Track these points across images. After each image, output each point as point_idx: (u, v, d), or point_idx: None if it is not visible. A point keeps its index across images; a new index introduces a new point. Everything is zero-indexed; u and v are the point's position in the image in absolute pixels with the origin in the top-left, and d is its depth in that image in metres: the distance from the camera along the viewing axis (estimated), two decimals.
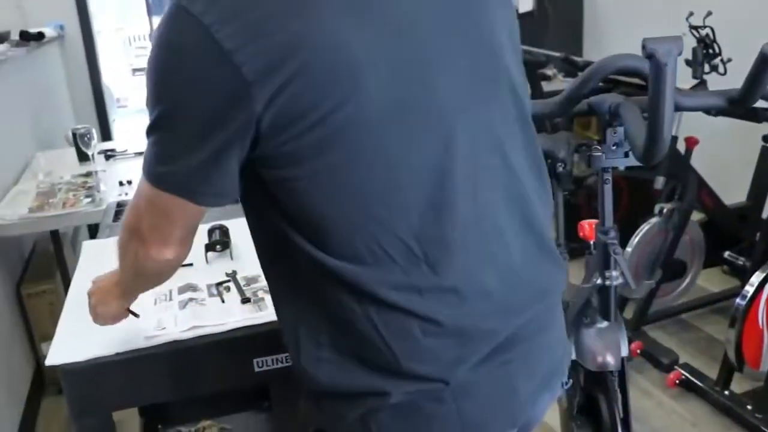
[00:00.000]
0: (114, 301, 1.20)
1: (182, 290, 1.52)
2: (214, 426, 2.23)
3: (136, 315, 1.29)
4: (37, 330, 2.82)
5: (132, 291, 1.19)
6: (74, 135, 3.21)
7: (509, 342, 0.94)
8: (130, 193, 2.70)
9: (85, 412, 1.33)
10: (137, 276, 1.07)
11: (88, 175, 3.00)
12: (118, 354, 1.30)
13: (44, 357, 2.82)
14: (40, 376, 2.87)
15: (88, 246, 1.84)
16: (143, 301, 1.46)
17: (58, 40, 5.47)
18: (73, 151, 3.35)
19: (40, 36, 4.28)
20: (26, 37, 4.11)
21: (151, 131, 0.89)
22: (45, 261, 3.05)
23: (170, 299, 1.48)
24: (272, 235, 0.93)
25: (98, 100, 5.92)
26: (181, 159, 0.86)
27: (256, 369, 1.38)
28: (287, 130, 0.83)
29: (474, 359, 0.92)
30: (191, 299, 1.46)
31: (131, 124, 8.76)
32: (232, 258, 1.65)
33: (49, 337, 2.84)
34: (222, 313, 1.41)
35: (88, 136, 3.08)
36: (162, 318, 1.40)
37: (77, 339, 1.35)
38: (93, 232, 3.92)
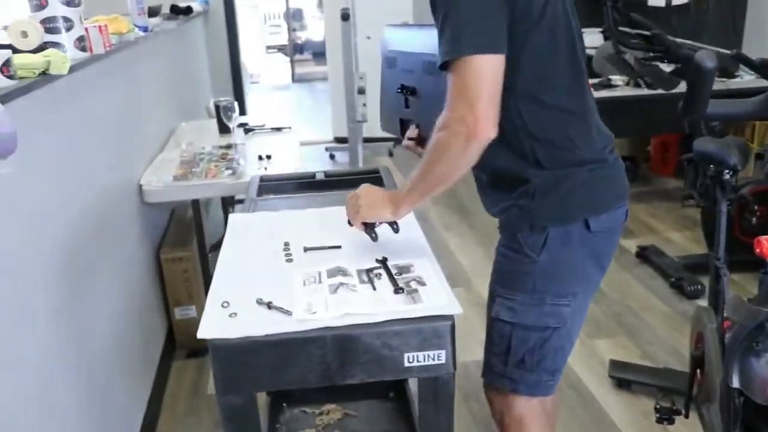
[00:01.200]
0: (382, 206, 1.50)
1: (332, 273, 1.46)
2: (338, 410, 2.19)
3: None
4: (171, 295, 2.90)
5: (419, 196, 1.43)
6: (217, 107, 3.26)
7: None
8: (269, 168, 2.71)
9: (231, 390, 1.29)
10: (448, 173, 1.34)
11: (228, 147, 3.05)
12: (268, 335, 1.25)
13: (176, 321, 2.95)
14: (171, 339, 2.95)
15: (234, 219, 1.82)
16: (292, 281, 1.43)
17: (203, 15, 5.64)
18: (213, 122, 3.42)
19: (188, 10, 4.41)
20: (176, 11, 4.24)
21: (456, 11, 1.24)
22: (183, 228, 3.13)
23: (319, 282, 1.43)
24: None
25: (235, 74, 6.07)
26: (489, 20, 1.25)
27: (406, 364, 1.30)
28: None
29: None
30: (342, 284, 1.40)
31: (262, 99, 9.02)
32: (374, 239, 1.58)
33: (181, 302, 2.96)
34: (374, 302, 1.34)
35: (231, 109, 3.12)
36: (312, 301, 1.34)
37: (227, 315, 1.31)
38: (225, 203, 4.02)
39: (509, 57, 1.28)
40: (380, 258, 1.53)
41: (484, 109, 1.25)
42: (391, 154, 5.91)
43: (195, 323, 3.01)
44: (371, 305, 1.33)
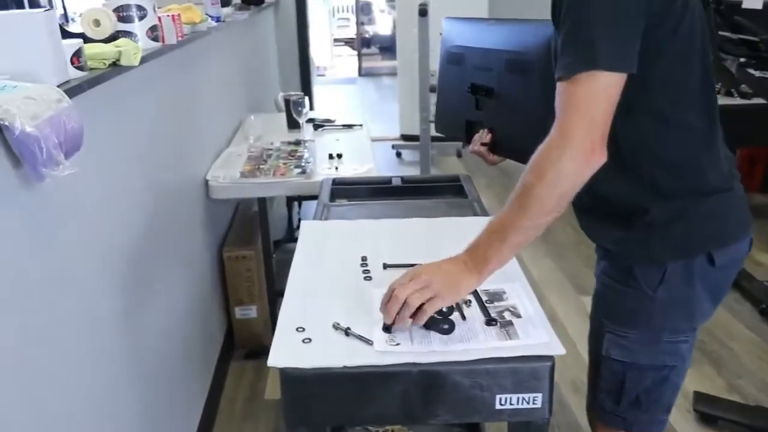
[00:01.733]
0: (463, 279, 1.18)
1: None
2: (403, 431, 2.06)
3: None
4: (232, 294, 2.81)
5: (518, 241, 1.17)
6: (287, 102, 3.16)
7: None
8: (340, 168, 2.59)
9: (301, 422, 1.17)
10: (558, 205, 1.13)
11: (297, 143, 2.94)
12: (346, 367, 1.12)
13: (236, 321, 2.87)
14: (231, 339, 2.86)
15: (307, 227, 1.70)
16: (372, 303, 1.29)
17: (274, 6, 5.57)
18: (282, 116, 3.32)
19: (260, 1, 4.33)
20: (248, 1, 4.16)
21: (587, 20, 1.08)
22: (247, 225, 3.04)
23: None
24: None
25: (304, 67, 5.99)
26: (624, 35, 1.09)
27: (498, 406, 1.16)
28: None
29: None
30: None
31: (329, 93, 8.95)
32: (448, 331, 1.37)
33: (242, 302, 2.87)
34: (465, 336, 1.19)
35: (301, 104, 3.02)
36: (395, 331, 1.20)
37: (300, 340, 1.18)
38: (289, 198, 3.93)
39: (639, 73, 1.12)
40: None
41: (603, 131, 1.10)
42: (459, 155, 5.73)
43: (255, 324, 2.97)
44: (461, 340, 1.18)
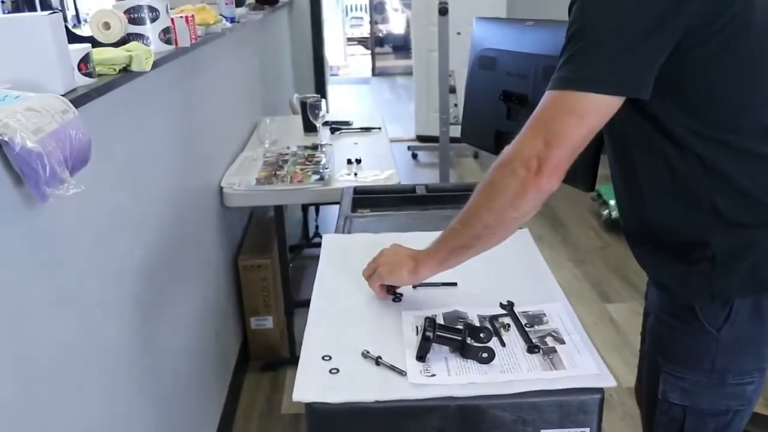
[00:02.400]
0: (401, 265, 1.24)
1: (450, 320, 1.22)
2: None
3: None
4: (247, 304, 2.72)
5: (448, 252, 1.19)
6: (303, 104, 3.06)
7: None
8: (359, 174, 2.49)
9: None
10: (492, 226, 1.10)
11: (314, 148, 2.85)
12: (378, 402, 1.02)
13: (251, 331, 2.78)
14: (246, 350, 2.78)
15: (328, 241, 1.60)
16: (403, 328, 1.19)
17: (288, 6, 5.49)
18: (297, 118, 3.23)
19: (274, 1, 4.25)
20: (263, 1, 4.08)
21: (592, 29, 0.99)
22: (263, 232, 2.95)
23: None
24: None
25: (319, 68, 5.90)
26: (630, 54, 0.98)
27: None
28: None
29: None
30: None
31: (342, 92, 8.86)
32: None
33: (257, 312, 2.78)
34: (506, 366, 1.09)
35: (318, 107, 2.92)
36: (430, 360, 1.10)
37: (327, 371, 1.09)
38: (304, 207, 3.84)
39: (690, 90, 1.02)
40: (505, 302, 1.28)
41: (564, 155, 1.02)
42: (476, 156, 5.62)
43: (271, 335, 2.88)
44: (502, 370, 1.08)
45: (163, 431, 1.67)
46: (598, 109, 1.00)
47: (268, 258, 2.69)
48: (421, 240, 1.60)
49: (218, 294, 2.41)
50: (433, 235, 1.62)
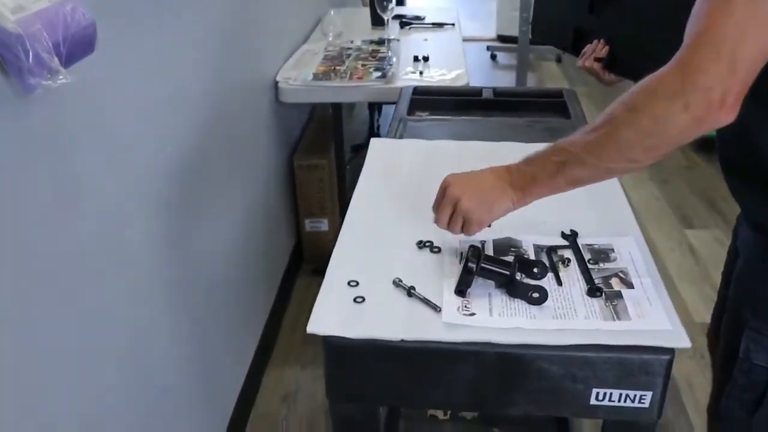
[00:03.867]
0: (500, 197, 0.98)
1: (500, 249, 1.06)
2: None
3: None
4: (302, 205, 2.62)
5: (575, 184, 0.96)
6: None
7: None
8: (425, 73, 2.29)
9: (348, 399, 0.96)
10: (639, 158, 0.89)
11: (380, 43, 2.64)
12: (404, 341, 0.89)
13: (305, 233, 2.69)
14: (299, 252, 2.70)
15: (376, 146, 1.44)
16: (444, 255, 1.04)
17: None
18: (366, 11, 3.03)
19: None
20: None
21: None
22: (322, 131, 2.80)
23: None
24: None
25: None
26: None
27: (593, 401, 0.91)
28: None
29: None
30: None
31: None
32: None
33: (312, 214, 2.67)
34: (559, 310, 0.93)
35: None
36: (470, 295, 0.95)
37: (351, 299, 0.95)
38: (371, 105, 3.65)
39: None
40: (568, 232, 1.10)
41: (744, 82, 0.79)
42: (559, 60, 5.24)
43: (325, 237, 2.78)
44: (555, 316, 0.92)
45: (197, 342, 1.60)
46: None
47: (325, 158, 2.56)
48: (482, 149, 1.43)
49: (269, 195, 2.31)
50: (497, 147, 1.45)
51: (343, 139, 2.54)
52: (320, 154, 2.59)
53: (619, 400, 0.91)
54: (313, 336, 0.93)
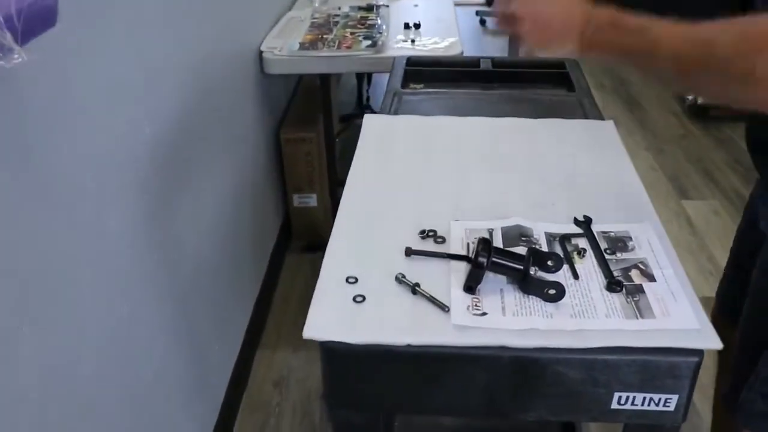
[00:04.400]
0: (569, 33, 0.89)
1: (510, 238, 0.97)
2: None
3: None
4: (289, 180, 2.53)
5: (651, 55, 0.83)
6: None
7: None
8: (417, 41, 2.19)
9: (347, 405, 0.89)
10: (719, 92, 0.81)
11: (369, 9, 2.52)
12: (410, 346, 0.81)
13: (293, 209, 2.60)
14: (288, 229, 2.61)
15: (370, 123, 1.35)
16: (449, 246, 0.96)
17: None
18: None
19: None
20: None
21: None
22: (310, 103, 2.69)
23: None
24: None
25: None
26: None
27: (614, 405, 0.84)
28: None
29: None
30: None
31: None
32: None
33: (301, 189, 2.58)
34: (578, 308, 0.85)
35: None
36: (481, 292, 0.88)
37: (350, 298, 0.87)
38: (359, 74, 3.53)
39: None
40: (581, 218, 1.02)
41: None
42: None
43: (314, 213, 2.69)
44: (571, 314, 0.84)
45: (185, 327, 1.52)
46: None
47: (313, 132, 2.46)
48: (483, 126, 1.34)
49: (256, 170, 2.21)
50: (499, 123, 1.36)
51: (332, 112, 2.45)
52: (308, 126, 2.48)
53: (642, 404, 0.84)
54: (305, 312, 0.84)
